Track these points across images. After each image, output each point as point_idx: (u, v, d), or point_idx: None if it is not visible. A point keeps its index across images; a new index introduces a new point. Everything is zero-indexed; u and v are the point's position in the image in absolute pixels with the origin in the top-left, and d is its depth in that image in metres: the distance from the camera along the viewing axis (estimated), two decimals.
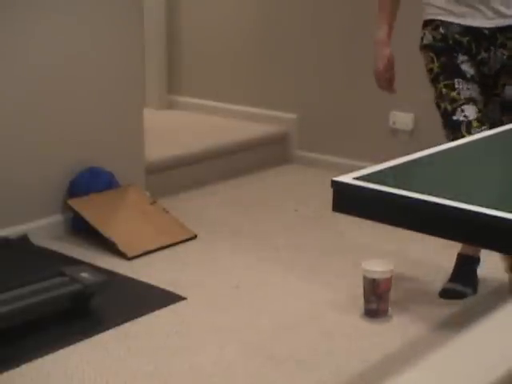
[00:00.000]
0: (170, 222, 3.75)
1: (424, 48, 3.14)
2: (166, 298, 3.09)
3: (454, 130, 2.99)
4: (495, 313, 3.01)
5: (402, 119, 4.52)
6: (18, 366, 2.59)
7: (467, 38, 2.97)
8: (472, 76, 2.96)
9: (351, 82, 4.70)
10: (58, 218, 3.70)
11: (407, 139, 4.53)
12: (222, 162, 4.60)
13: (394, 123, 4.55)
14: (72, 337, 2.77)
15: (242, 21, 5.11)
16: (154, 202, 3.83)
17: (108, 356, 2.67)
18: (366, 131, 4.68)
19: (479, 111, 2.92)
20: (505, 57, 2.96)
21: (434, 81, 3.05)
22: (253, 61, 5.11)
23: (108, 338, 2.79)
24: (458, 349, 2.76)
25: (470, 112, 2.91)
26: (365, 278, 2.96)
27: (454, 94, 2.96)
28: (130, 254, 3.46)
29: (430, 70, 3.07)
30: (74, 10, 3.67)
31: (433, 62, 3.05)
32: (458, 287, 3.13)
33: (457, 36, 2.99)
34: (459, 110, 2.95)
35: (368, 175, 1.59)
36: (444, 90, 2.99)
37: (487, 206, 1.40)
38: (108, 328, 2.85)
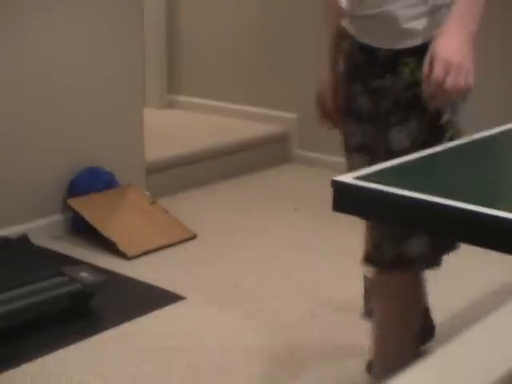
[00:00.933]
0: (170, 221, 3.74)
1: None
2: (165, 298, 3.09)
3: None
4: (496, 313, 3.01)
5: None
6: (18, 365, 2.59)
7: (363, 58, 2.18)
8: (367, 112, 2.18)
9: None
10: (57, 217, 3.70)
11: None
12: (222, 162, 4.60)
13: None
14: (72, 336, 2.77)
15: (243, 20, 5.11)
16: (153, 202, 3.83)
17: (107, 356, 2.67)
18: None
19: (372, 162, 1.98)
20: (399, 87, 2.09)
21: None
22: (253, 60, 5.11)
23: (107, 338, 2.79)
24: (458, 349, 2.76)
25: (357, 164, 2.13)
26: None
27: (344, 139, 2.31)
28: (129, 254, 3.46)
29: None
30: (74, 10, 3.67)
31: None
32: None
33: (357, 55, 2.21)
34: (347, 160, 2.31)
35: (368, 175, 1.59)
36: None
37: (488, 206, 1.40)
38: (107, 328, 2.85)
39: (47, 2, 3.57)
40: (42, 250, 3.50)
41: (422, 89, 1.94)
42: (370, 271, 2.93)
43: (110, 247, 3.49)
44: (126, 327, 2.87)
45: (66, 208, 3.67)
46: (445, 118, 2.04)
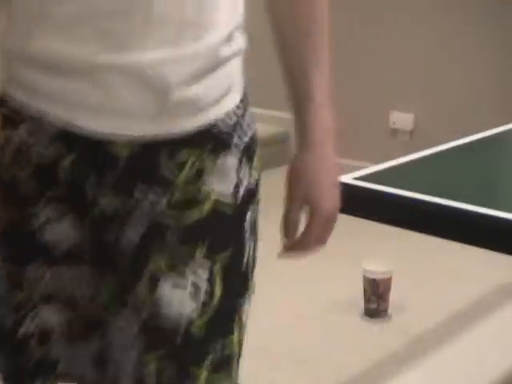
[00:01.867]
0: None
1: None
2: None
3: None
4: (496, 312, 3.02)
5: (402, 119, 4.52)
6: None
7: (69, 160, 1.15)
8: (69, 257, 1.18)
9: (351, 82, 4.70)
10: None
11: (407, 139, 4.53)
12: None
13: (394, 123, 4.55)
14: None
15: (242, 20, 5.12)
16: None
17: None
18: (365, 131, 4.69)
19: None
20: (161, 207, 1.15)
21: None
22: (252, 60, 5.11)
23: None
24: (458, 349, 2.76)
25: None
26: (365, 278, 2.96)
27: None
28: None
29: None
30: None
31: None
32: None
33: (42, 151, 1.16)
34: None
35: (368, 175, 1.59)
36: None
37: (486, 206, 1.40)
38: None
39: None
40: None
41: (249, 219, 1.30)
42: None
43: None
44: None
45: None
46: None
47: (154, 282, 1.14)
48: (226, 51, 1.19)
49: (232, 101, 1.22)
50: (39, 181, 1.16)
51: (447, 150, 1.83)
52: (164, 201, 1.14)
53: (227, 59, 1.20)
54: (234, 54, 1.24)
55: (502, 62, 4.19)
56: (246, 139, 1.25)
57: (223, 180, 1.18)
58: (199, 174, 1.15)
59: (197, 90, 1.14)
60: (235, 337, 1.28)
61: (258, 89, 5.22)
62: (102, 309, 1.17)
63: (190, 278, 1.16)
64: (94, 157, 1.12)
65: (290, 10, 1.34)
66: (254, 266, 1.35)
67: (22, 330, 1.19)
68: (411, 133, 4.52)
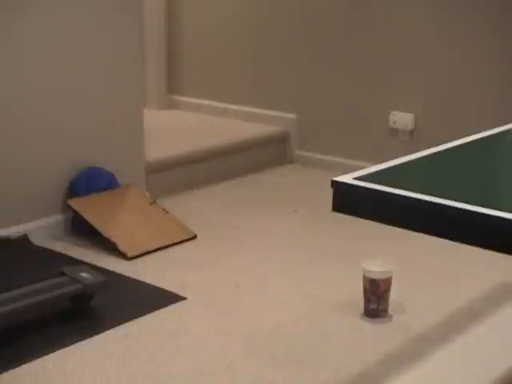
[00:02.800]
0: (170, 222, 3.74)
1: None
2: (166, 298, 3.09)
3: None
4: (497, 312, 3.02)
5: (402, 119, 4.52)
6: (18, 365, 2.59)
7: None
8: None
9: (351, 82, 4.70)
10: (58, 218, 3.70)
11: (407, 139, 4.53)
12: (222, 163, 4.60)
13: (394, 123, 4.55)
14: (72, 337, 2.77)
15: (243, 20, 5.11)
16: (153, 202, 3.83)
17: (108, 356, 2.67)
18: (366, 131, 4.68)
19: None
20: None
21: None
22: (253, 61, 5.11)
23: (108, 338, 2.79)
24: (458, 349, 2.76)
25: None
26: (365, 278, 2.96)
27: None
28: (129, 254, 3.46)
29: None
30: (74, 11, 3.67)
31: None
32: None
33: None
34: None
35: (368, 175, 1.59)
36: None
37: (487, 206, 1.40)
38: (108, 328, 2.85)
39: (48, 3, 3.57)
40: (42, 250, 3.51)
41: None
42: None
43: (111, 247, 3.49)
44: (127, 327, 2.87)
45: (66, 208, 3.67)
46: None
47: None
48: None
49: None
50: None
51: (447, 150, 1.83)
52: None
53: None
54: None
55: (502, 62, 4.19)
56: None
57: None
58: None
59: None
60: None
61: (258, 89, 5.28)
62: None
63: None
64: None
65: None
66: None
67: None
68: (411, 133, 4.52)
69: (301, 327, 2.91)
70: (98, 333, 2.81)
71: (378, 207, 1.50)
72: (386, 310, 2.97)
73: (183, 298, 3.10)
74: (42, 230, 3.62)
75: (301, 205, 4.22)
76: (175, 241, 3.64)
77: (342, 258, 3.53)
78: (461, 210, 1.40)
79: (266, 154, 4.88)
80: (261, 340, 2.82)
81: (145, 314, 2.96)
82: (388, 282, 2.95)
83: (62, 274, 2.94)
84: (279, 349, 2.74)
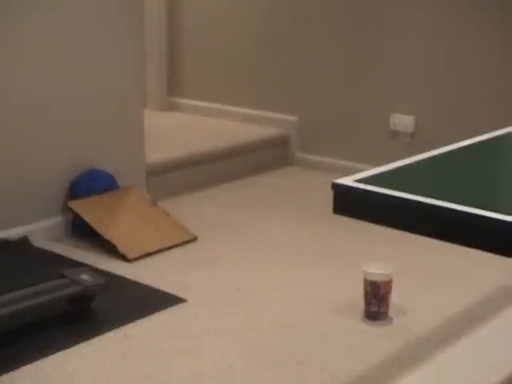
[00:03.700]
0: (171, 223, 3.75)
1: None
2: (166, 300, 3.09)
3: None
4: (498, 315, 3.01)
5: (403, 121, 4.52)
6: (18, 367, 2.59)
7: None
8: None
9: (352, 84, 4.70)
10: (58, 219, 3.70)
11: (408, 141, 4.53)
12: (223, 164, 4.61)
13: (394, 125, 4.55)
14: (72, 339, 2.77)
15: (243, 22, 5.12)
16: (154, 204, 3.83)
17: (108, 358, 2.67)
18: (366, 133, 4.69)
19: None
20: None
21: None
22: (254, 62, 5.12)
23: (108, 340, 2.79)
24: (459, 351, 2.76)
25: None
26: (365, 280, 2.96)
27: None
28: (130, 256, 3.46)
29: None
30: (74, 12, 3.68)
31: None
32: None
33: None
34: None
35: (369, 177, 1.60)
36: None
37: (486, 208, 1.40)
38: (108, 330, 2.85)
39: (49, 5, 3.57)
40: (42, 252, 3.51)
41: None
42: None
43: (111, 249, 3.49)
44: (127, 329, 2.87)
45: (67, 210, 3.67)
46: None
47: None
48: None
49: None
50: None
51: (448, 152, 1.83)
52: None
53: None
54: None
55: (503, 63, 4.19)
56: None
57: None
58: None
59: None
60: None
61: (258, 91, 5.28)
62: None
63: None
64: None
65: None
66: None
67: None
68: (412, 135, 4.52)
69: (301, 329, 2.91)
70: (97, 334, 2.81)
71: (379, 209, 1.50)
72: (386, 313, 2.97)
73: (183, 300, 3.09)
74: (42, 231, 3.62)
75: (302, 206, 4.22)
76: (176, 243, 3.64)
77: (342, 260, 3.53)
78: (460, 212, 1.40)
79: (266, 156, 4.88)
80: (261, 342, 2.82)
81: (145, 316, 2.96)
82: (389, 284, 2.95)
83: (62, 276, 2.94)
84: (279, 351, 2.74)
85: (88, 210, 3.63)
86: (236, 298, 3.15)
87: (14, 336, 2.74)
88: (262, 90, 5.10)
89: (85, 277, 2.94)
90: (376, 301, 2.94)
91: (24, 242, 3.51)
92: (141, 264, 3.45)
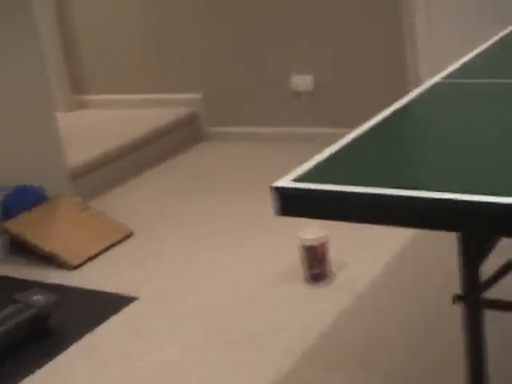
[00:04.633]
0: (105, 224, 3.69)
1: None
2: (118, 302, 3.05)
3: None
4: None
5: (303, 81, 4.52)
6: None
7: None
8: None
9: (250, 52, 4.67)
10: None
11: (310, 99, 4.54)
12: (141, 153, 4.55)
13: (296, 86, 4.55)
14: (38, 360, 2.72)
15: (133, 11, 5.01)
16: (86, 208, 3.76)
17: (77, 371, 2.63)
18: (270, 97, 4.67)
19: None
20: None
21: None
22: (151, 48, 5.03)
23: (73, 354, 2.75)
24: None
25: None
26: (303, 246, 2.98)
27: None
28: (74, 263, 3.40)
29: None
30: None
31: None
32: None
33: None
34: None
35: (307, 175, 1.58)
36: None
37: (422, 189, 1.41)
38: (71, 344, 2.80)
39: None
40: None
41: None
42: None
43: (54, 261, 3.43)
44: (88, 340, 2.83)
45: (2, 231, 3.57)
46: None
47: None
48: None
49: None
50: None
51: (376, 130, 1.82)
52: None
53: None
54: None
55: (383, 24, 4.21)
56: None
57: None
58: None
59: None
60: None
61: (160, 75, 5.16)
62: None
63: None
64: None
65: None
66: None
67: None
68: (313, 93, 4.52)
69: (254, 305, 2.91)
70: (62, 351, 2.77)
71: (326, 206, 1.49)
72: (329, 270, 3.00)
73: (135, 298, 3.06)
74: None
75: (223, 184, 4.21)
76: (114, 241, 3.59)
77: (277, 230, 3.53)
78: (406, 198, 1.40)
79: (179, 137, 4.84)
80: (217, 325, 2.81)
81: (102, 323, 2.92)
82: (326, 245, 2.97)
83: (15, 302, 2.87)
84: (237, 331, 2.74)
85: (24, 227, 3.54)
86: (184, 285, 3.13)
87: None
88: (163, 73, 5.03)
89: (37, 298, 2.88)
90: (317, 263, 2.97)
91: None
92: (85, 269, 3.40)
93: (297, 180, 1.58)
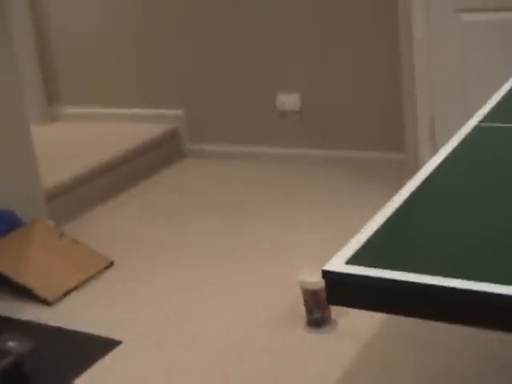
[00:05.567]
0: (83, 252, 3.31)
1: None
2: (100, 347, 2.68)
3: None
4: None
5: (290, 100, 4.18)
6: None
7: None
8: None
9: (235, 69, 4.32)
10: None
11: (298, 119, 4.20)
12: (121, 171, 4.16)
13: (282, 104, 4.21)
14: None
15: (115, 22, 4.62)
16: (62, 235, 3.38)
17: None
18: (254, 115, 4.33)
19: None
20: None
21: None
22: (132, 61, 4.64)
23: None
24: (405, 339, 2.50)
25: None
26: (305, 290, 2.64)
27: None
28: (50, 299, 3.02)
29: None
30: None
31: None
32: None
33: None
34: None
35: (359, 255, 1.25)
36: None
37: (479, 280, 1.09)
38: None
39: None
40: None
41: None
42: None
43: (28, 295, 3.05)
44: None
45: None
46: None
47: None
48: None
49: None
50: None
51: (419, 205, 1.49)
52: None
53: None
54: None
55: (375, 40, 3.89)
56: None
57: None
58: None
59: None
60: None
61: (141, 89, 4.75)
62: None
63: None
64: None
65: None
66: None
67: None
68: (300, 112, 4.19)
69: (249, 353, 2.57)
70: None
71: (381, 296, 1.17)
72: (330, 317, 2.67)
73: (118, 343, 2.70)
74: None
75: (208, 203, 3.86)
76: (93, 272, 3.22)
77: (272, 262, 3.20)
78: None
79: (159, 154, 4.46)
80: (208, 373, 2.47)
81: (83, 372, 2.55)
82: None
83: None
84: (228, 372, 2.41)
85: None
86: (172, 327, 2.77)
87: None
88: (144, 87, 4.64)
89: (12, 344, 2.51)
90: (318, 309, 2.64)
91: None
92: (63, 305, 3.02)
93: (351, 262, 1.25)
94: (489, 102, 2.13)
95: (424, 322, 2.56)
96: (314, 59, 4.05)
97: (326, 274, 1.24)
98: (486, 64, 3.27)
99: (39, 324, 2.86)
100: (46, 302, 3.02)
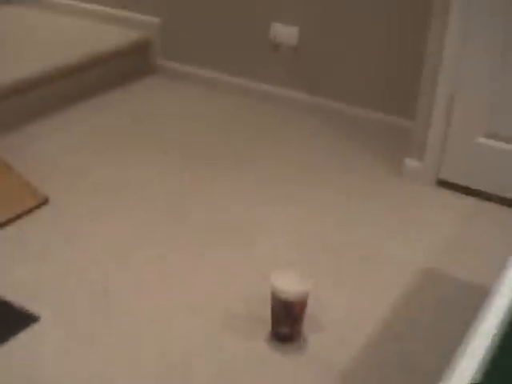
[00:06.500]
0: (15, 182, 2.66)
1: None
2: (13, 321, 2.08)
3: None
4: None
5: (285, 33, 3.48)
6: None
7: None
8: None
9: None
10: None
11: (292, 56, 3.52)
12: (75, 81, 3.44)
13: (276, 36, 3.51)
14: None
15: None
16: None
17: None
18: (244, 42, 3.62)
19: None
20: None
21: None
22: None
23: None
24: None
25: None
26: (276, 297, 2.05)
27: None
28: None
29: None
30: None
31: None
32: None
33: None
34: None
35: None
36: None
37: None
38: None
39: None
40: None
41: None
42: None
43: None
44: None
45: None
46: None
47: None
48: None
49: None
50: None
51: None
52: None
53: None
54: None
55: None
56: None
57: None
58: None
59: None
60: None
61: None
62: None
63: None
64: None
65: None
66: None
67: None
68: (295, 48, 3.50)
69: (194, 357, 1.99)
70: None
71: None
72: (300, 332, 2.10)
73: (36, 319, 2.09)
74: None
75: (169, 138, 3.21)
76: (22, 210, 2.57)
77: (241, 232, 2.59)
78: None
79: (124, 64, 3.74)
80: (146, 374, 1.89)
81: None
82: (305, 304, 2.06)
83: None
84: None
85: None
86: (102, 309, 2.16)
87: None
88: None
89: None
90: (289, 322, 2.06)
91: None
92: None
93: None
94: None
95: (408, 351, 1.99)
96: None
97: None
98: None
99: None
100: None
